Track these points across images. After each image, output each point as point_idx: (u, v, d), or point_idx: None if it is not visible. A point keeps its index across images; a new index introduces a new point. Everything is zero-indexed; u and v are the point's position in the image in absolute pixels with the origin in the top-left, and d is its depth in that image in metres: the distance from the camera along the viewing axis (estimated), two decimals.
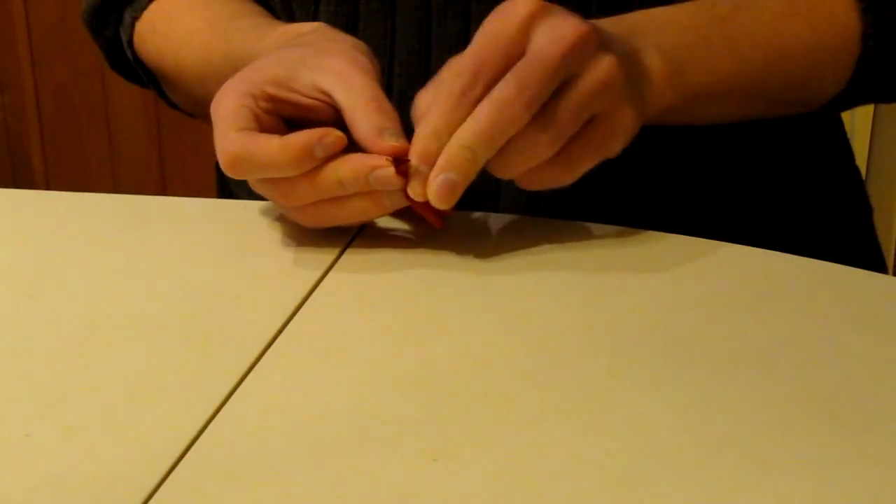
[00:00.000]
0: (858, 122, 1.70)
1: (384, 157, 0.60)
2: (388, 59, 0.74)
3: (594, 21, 0.63)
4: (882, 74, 0.72)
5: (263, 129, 0.63)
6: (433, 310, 0.60)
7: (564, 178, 0.62)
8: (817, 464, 0.47)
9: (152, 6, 0.82)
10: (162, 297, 0.61)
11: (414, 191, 0.61)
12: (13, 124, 2.11)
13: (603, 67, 0.61)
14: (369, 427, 0.50)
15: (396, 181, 0.61)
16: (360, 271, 0.63)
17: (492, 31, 0.61)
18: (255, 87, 0.63)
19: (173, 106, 0.87)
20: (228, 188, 0.86)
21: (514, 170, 0.62)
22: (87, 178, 2.10)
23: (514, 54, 0.60)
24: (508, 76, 0.60)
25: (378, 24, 0.74)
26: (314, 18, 0.76)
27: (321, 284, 0.62)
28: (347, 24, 0.75)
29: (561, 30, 0.60)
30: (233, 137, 0.61)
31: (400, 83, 0.74)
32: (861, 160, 1.71)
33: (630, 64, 0.64)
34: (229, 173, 0.62)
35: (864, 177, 0.98)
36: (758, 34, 0.70)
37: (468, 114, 0.60)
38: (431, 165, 0.60)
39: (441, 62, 0.73)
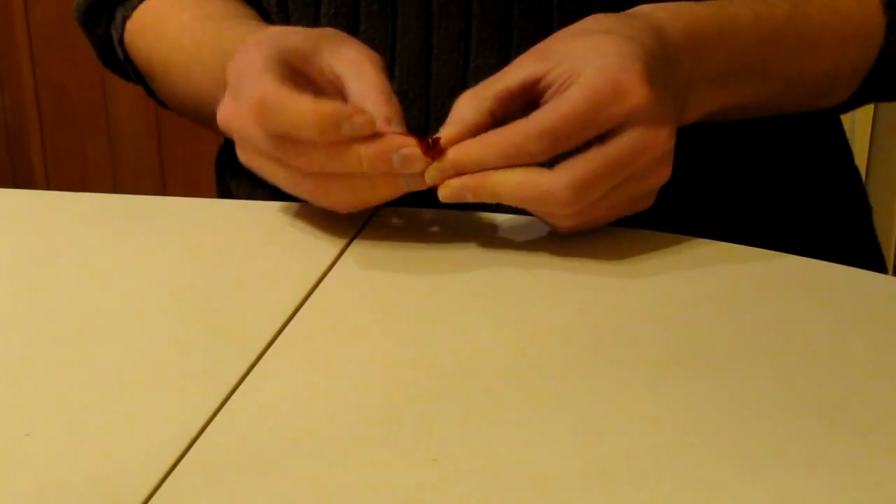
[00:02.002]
0: (858, 122, 1.70)
1: (412, 140, 0.61)
2: (388, 60, 0.74)
3: (659, 36, 0.64)
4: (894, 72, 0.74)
5: None
6: (433, 310, 0.60)
7: (568, 226, 0.63)
8: (817, 463, 0.47)
9: (143, 5, 0.82)
10: (162, 297, 0.61)
11: (430, 175, 0.61)
12: (13, 124, 2.11)
13: (660, 140, 0.61)
14: (369, 427, 0.50)
15: (422, 162, 0.61)
16: (360, 271, 0.63)
17: (586, 108, 0.60)
18: (281, 52, 0.63)
19: (162, 104, 0.87)
20: (228, 188, 0.86)
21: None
22: (87, 178, 2.10)
23: (595, 136, 0.61)
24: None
25: (379, 25, 0.74)
26: (315, 20, 0.76)
27: (321, 284, 0.62)
28: (348, 25, 0.75)
29: (652, 139, 0.61)
30: (268, 81, 0.61)
31: (400, 84, 0.74)
32: (861, 160, 1.71)
33: (675, 104, 0.64)
34: (252, 117, 0.61)
35: (864, 177, 0.98)
36: (793, 58, 0.71)
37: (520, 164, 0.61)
38: (457, 172, 0.61)
39: (442, 63, 0.73)
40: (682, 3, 0.67)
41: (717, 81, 0.68)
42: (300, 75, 0.64)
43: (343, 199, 0.63)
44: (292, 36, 0.65)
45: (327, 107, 0.60)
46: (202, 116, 0.80)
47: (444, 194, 0.62)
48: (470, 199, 0.62)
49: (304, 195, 0.64)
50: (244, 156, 0.65)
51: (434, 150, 0.61)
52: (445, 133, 0.62)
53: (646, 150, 0.61)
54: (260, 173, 0.65)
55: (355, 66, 0.64)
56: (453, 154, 0.61)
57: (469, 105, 0.63)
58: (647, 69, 0.60)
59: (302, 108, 0.60)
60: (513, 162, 0.60)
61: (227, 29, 0.75)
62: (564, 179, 0.60)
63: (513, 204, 0.62)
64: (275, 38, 0.65)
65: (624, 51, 0.61)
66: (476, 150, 0.61)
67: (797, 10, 0.71)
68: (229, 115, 0.64)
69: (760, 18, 0.69)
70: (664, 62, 0.63)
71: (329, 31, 0.68)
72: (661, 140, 0.61)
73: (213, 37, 0.75)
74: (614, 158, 0.60)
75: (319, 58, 0.64)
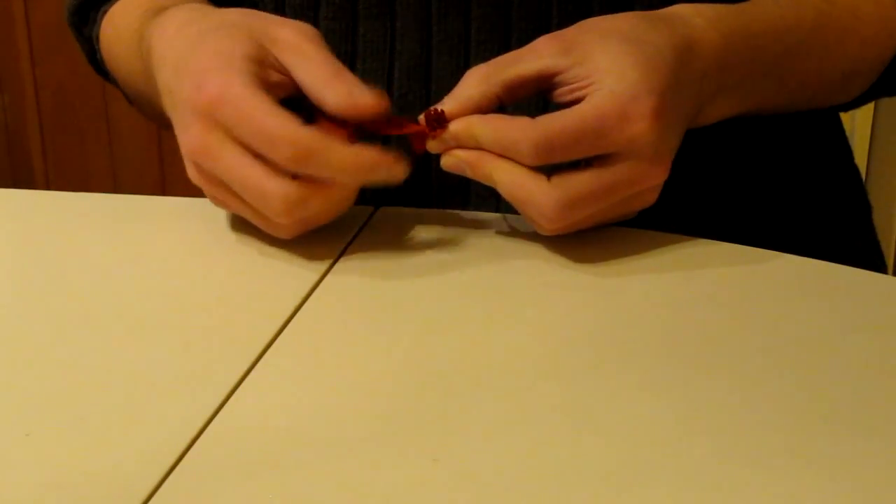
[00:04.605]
0: (858, 121, 1.70)
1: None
2: (387, 62, 0.74)
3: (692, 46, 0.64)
4: None
5: None
6: (433, 309, 0.60)
7: (548, 232, 0.63)
8: (817, 464, 0.47)
9: (119, 3, 0.81)
10: (162, 297, 0.61)
11: (431, 146, 0.63)
12: (13, 124, 2.11)
13: (655, 175, 0.61)
14: (369, 427, 0.50)
15: (402, 173, 0.61)
16: (359, 271, 0.63)
17: (590, 128, 0.60)
18: (254, 76, 0.61)
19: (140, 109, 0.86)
20: None
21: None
22: (87, 178, 2.10)
23: (591, 155, 0.61)
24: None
25: (378, 28, 0.74)
26: (314, 23, 0.76)
27: (321, 285, 0.62)
28: (347, 27, 0.75)
29: (647, 173, 0.61)
30: (297, 130, 0.59)
31: (400, 86, 0.74)
32: (861, 160, 1.71)
33: (685, 125, 0.64)
34: (291, 164, 0.60)
35: (863, 176, 0.98)
36: (815, 65, 0.71)
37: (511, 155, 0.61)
38: (456, 144, 0.62)
39: (441, 65, 0.73)
40: (720, 7, 0.67)
41: (738, 91, 0.67)
42: (262, 81, 0.62)
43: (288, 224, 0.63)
44: (237, 42, 0.63)
45: (365, 155, 0.60)
46: (143, 108, 0.80)
47: (446, 162, 0.63)
48: (469, 174, 0.63)
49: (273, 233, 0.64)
50: (205, 183, 0.64)
51: (439, 127, 0.62)
52: (448, 107, 0.62)
53: (639, 181, 0.61)
54: (216, 202, 0.64)
55: (298, 55, 0.62)
56: (454, 126, 0.62)
57: (477, 86, 0.63)
58: (660, 103, 0.60)
59: (345, 157, 0.60)
60: (505, 154, 0.61)
61: (154, 14, 0.71)
62: (555, 196, 0.60)
63: (502, 194, 0.62)
64: (233, 55, 0.62)
65: (643, 78, 0.60)
66: (477, 128, 0.62)
67: (823, 14, 0.71)
68: (201, 147, 0.62)
69: (790, 28, 0.69)
70: (683, 86, 0.63)
71: (253, 17, 0.65)
72: (655, 175, 0.62)
73: (141, 25, 0.72)
74: (607, 185, 0.61)
75: (268, 56, 0.63)
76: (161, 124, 0.72)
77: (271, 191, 0.60)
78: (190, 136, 0.62)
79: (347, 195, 0.62)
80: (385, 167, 0.60)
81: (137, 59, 0.73)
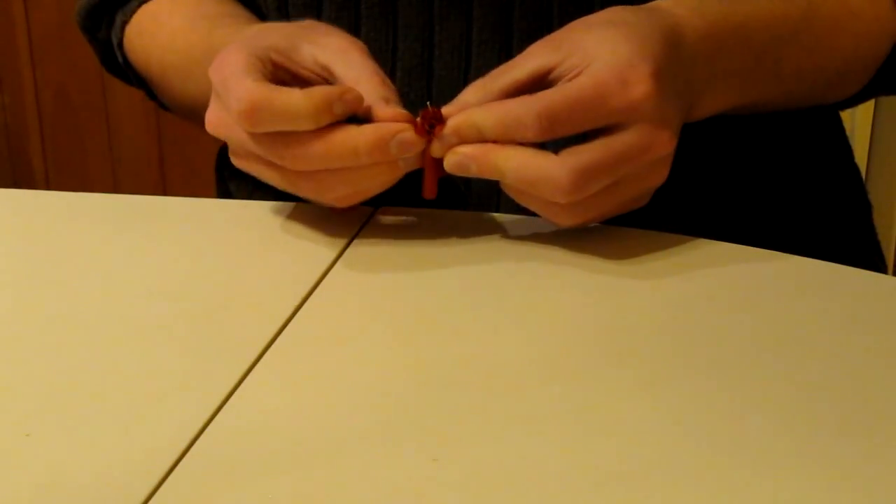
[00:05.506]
0: (859, 120, 1.70)
1: (406, 124, 0.61)
2: (389, 62, 0.74)
3: (681, 36, 0.64)
4: None
5: None
6: (433, 310, 0.60)
7: (567, 222, 0.63)
8: (817, 464, 0.47)
9: (142, 9, 0.82)
10: (162, 298, 0.61)
11: (434, 149, 0.62)
12: (13, 124, 2.11)
13: (662, 141, 0.61)
14: (369, 427, 0.50)
15: (419, 143, 0.61)
16: (359, 271, 0.63)
17: (590, 96, 0.60)
18: (260, 51, 0.63)
19: (164, 107, 0.87)
20: (228, 190, 0.86)
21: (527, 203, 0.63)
22: (87, 178, 2.10)
23: (595, 127, 0.61)
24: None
25: (380, 28, 0.74)
26: None
27: (321, 284, 0.61)
28: (349, 27, 0.75)
29: (655, 138, 0.61)
30: (251, 85, 0.61)
31: (402, 85, 0.74)
32: (861, 159, 1.71)
33: (682, 106, 0.64)
34: (245, 123, 0.61)
35: (864, 175, 0.98)
36: (808, 57, 0.71)
37: (514, 139, 0.61)
38: (459, 140, 0.61)
39: (443, 64, 0.73)
40: None
41: (731, 80, 0.67)
42: (284, 71, 0.64)
43: (343, 192, 0.63)
44: (272, 34, 0.65)
45: (316, 92, 0.60)
46: (201, 117, 0.80)
47: (449, 162, 0.62)
48: (474, 170, 0.62)
49: (303, 194, 0.64)
50: (237, 160, 0.65)
51: (438, 124, 0.62)
52: (445, 110, 0.62)
53: (648, 148, 0.61)
54: (256, 176, 0.65)
55: (340, 54, 0.64)
56: (454, 121, 0.62)
57: (475, 94, 0.63)
58: (655, 68, 0.60)
59: (293, 101, 0.60)
60: (509, 134, 0.60)
61: (218, 27, 0.74)
62: (567, 165, 0.60)
63: (514, 183, 0.62)
64: (254, 39, 0.65)
65: (635, 48, 0.61)
66: (477, 115, 0.61)
67: (813, 8, 0.71)
68: (216, 120, 0.64)
69: (777, 17, 0.69)
70: (675, 63, 0.63)
71: (308, 23, 0.67)
72: (663, 141, 0.61)
73: (204, 36, 0.75)
74: (617, 152, 0.60)
75: (300, 51, 0.64)
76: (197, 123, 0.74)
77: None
78: (207, 114, 0.65)
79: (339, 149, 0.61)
80: (340, 100, 0.60)
81: (197, 63, 0.74)
